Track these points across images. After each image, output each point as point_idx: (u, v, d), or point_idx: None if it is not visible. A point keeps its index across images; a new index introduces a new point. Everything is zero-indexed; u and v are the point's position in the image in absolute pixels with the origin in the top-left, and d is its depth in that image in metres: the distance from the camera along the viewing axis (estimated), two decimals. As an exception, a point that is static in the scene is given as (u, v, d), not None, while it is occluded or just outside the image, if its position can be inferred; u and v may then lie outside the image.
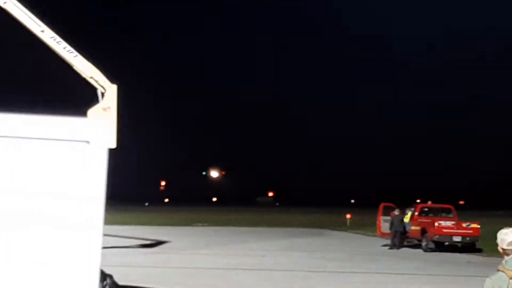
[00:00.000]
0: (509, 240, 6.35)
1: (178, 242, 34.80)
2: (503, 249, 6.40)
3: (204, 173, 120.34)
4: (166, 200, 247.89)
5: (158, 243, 33.86)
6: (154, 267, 22.89)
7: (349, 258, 27.59)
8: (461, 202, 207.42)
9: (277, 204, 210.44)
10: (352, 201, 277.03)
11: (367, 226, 48.40)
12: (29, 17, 20.03)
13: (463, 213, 78.23)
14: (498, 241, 6.45)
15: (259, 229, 51.40)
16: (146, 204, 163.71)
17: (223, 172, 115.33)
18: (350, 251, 31.05)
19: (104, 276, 7.54)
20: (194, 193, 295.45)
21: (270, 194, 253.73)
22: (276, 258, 26.83)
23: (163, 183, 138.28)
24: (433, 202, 37.16)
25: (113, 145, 22.78)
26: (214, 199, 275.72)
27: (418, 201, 55.56)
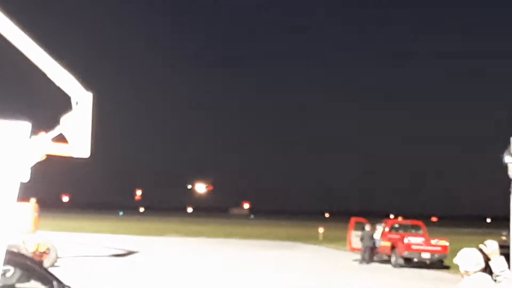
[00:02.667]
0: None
1: (148, 252, 34.64)
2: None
3: (189, 186, 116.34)
4: (142, 209, 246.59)
5: (128, 253, 33.72)
6: (119, 277, 22.79)
7: (319, 272, 27.64)
8: (434, 219, 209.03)
9: (251, 216, 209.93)
10: (327, 214, 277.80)
11: (339, 240, 48.53)
12: None
13: (436, 229, 78.81)
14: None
15: (232, 240, 51.36)
16: (121, 213, 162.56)
17: (210, 187, 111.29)
18: (320, 265, 31.10)
19: (62, 287, 7.55)
20: (170, 203, 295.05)
21: (246, 205, 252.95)
22: (242, 271, 26.82)
23: (139, 192, 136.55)
24: (403, 218, 37.43)
25: (87, 154, 22.80)
26: (190, 209, 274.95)
27: (391, 216, 55.95)
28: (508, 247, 6.02)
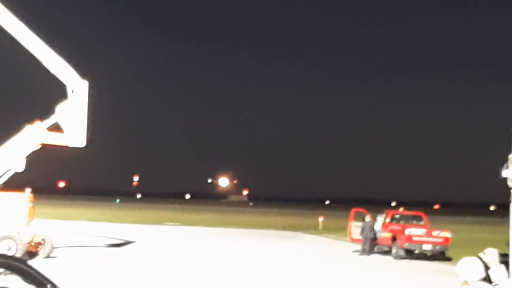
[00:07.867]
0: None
1: (145, 242, 34.12)
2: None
3: (210, 180, 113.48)
4: (139, 195, 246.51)
5: (125, 243, 33.23)
6: (115, 270, 22.27)
7: (318, 263, 27.24)
8: (437, 206, 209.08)
9: (250, 203, 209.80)
10: (327, 202, 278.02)
11: (339, 230, 48.13)
12: None
13: (438, 218, 78.52)
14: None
15: (231, 230, 50.92)
16: (117, 200, 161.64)
17: (235, 180, 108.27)
18: (319, 257, 30.71)
19: (48, 281, 6.75)
20: (167, 189, 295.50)
21: (245, 192, 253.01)
22: (240, 262, 26.37)
23: (136, 178, 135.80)
24: (406, 205, 36.87)
25: (83, 143, 21.92)
26: (188, 196, 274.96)
27: (393, 204, 55.56)
28: (508, 255, 6.12)
